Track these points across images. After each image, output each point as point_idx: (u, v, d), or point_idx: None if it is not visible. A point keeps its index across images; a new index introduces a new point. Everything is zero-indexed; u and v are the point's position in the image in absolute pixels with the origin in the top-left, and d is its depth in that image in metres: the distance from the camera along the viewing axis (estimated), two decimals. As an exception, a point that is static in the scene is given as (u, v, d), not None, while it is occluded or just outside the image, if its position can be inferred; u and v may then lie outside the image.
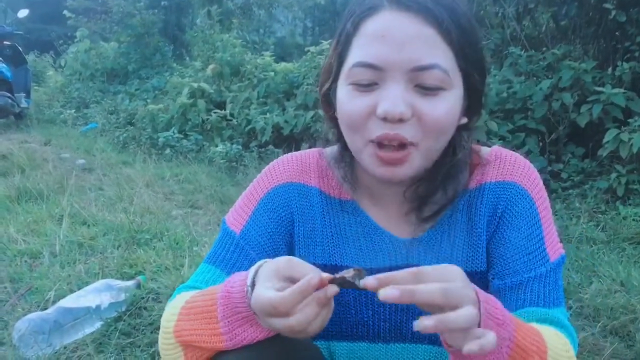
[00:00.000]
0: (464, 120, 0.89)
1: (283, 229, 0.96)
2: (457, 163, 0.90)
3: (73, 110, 8.58)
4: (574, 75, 3.97)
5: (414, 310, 0.91)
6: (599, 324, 2.09)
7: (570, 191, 3.71)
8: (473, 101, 0.88)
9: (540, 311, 0.87)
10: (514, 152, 0.96)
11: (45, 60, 12.79)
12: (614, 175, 3.58)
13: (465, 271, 0.89)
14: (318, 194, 0.97)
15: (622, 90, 3.74)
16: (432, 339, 0.91)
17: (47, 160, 5.31)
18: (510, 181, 0.92)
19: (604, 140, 3.64)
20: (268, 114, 5.72)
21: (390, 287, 0.66)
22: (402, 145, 0.82)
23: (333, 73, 0.89)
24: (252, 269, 0.78)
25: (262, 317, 0.74)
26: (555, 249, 0.92)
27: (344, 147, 0.92)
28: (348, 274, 0.72)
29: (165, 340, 0.87)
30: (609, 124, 3.76)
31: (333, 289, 0.72)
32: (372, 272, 0.92)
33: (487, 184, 0.92)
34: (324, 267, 0.91)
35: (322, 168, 0.98)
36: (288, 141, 5.51)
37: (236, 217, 0.98)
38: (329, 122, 0.95)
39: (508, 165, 0.93)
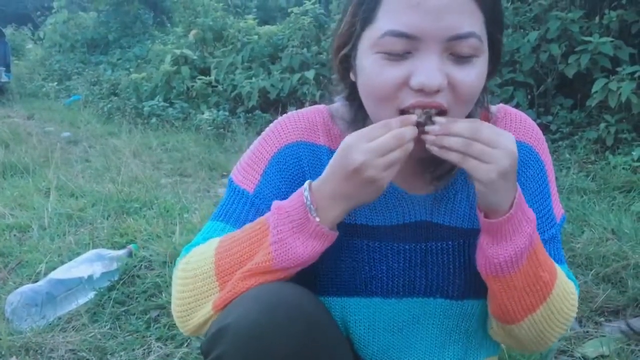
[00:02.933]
0: None
1: (295, 188, 0.92)
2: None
3: (55, 83, 8.45)
4: (561, 26, 3.92)
5: (427, 265, 0.92)
6: (592, 272, 2.11)
7: (560, 143, 3.71)
8: (494, 62, 0.86)
9: None
10: (519, 111, 0.97)
11: (24, 33, 12.53)
12: (602, 125, 3.57)
13: (478, 228, 0.89)
14: (327, 153, 0.94)
15: (609, 39, 3.70)
16: (444, 292, 0.91)
17: (31, 134, 5.24)
18: (522, 141, 0.92)
19: (593, 90, 3.62)
20: (253, 78, 5.65)
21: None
22: (441, 112, 0.81)
23: (354, 39, 0.84)
24: (304, 186, 0.82)
25: (355, 151, 0.77)
26: (558, 209, 0.95)
27: (359, 108, 0.90)
28: (419, 116, 0.79)
29: (196, 290, 0.85)
30: (597, 74, 3.73)
31: (414, 130, 0.79)
32: (386, 229, 0.92)
33: None
34: (339, 226, 0.89)
35: (328, 126, 0.96)
36: (275, 105, 5.45)
37: (246, 175, 0.95)
38: (343, 85, 0.92)
39: (518, 125, 0.94)
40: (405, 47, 0.78)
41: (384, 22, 0.79)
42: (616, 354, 1.60)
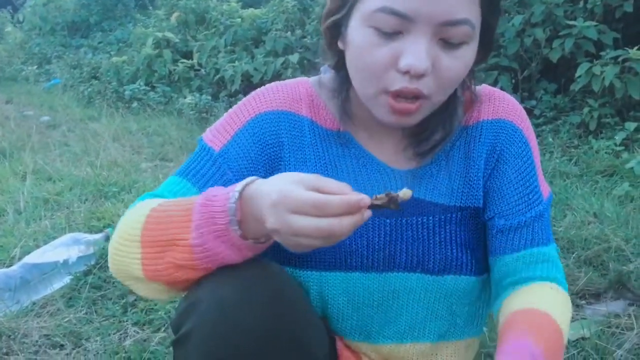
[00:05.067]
0: None
1: (267, 157, 0.91)
2: (455, 101, 0.90)
3: (35, 67, 8.31)
4: (546, 10, 3.90)
5: (407, 239, 0.90)
6: (573, 255, 2.10)
7: (544, 127, 3.71)
8: (484, 47, 0.85)
9: (540, 252, 0.91)
10: (501, 91, 0.96)
11: (3, 16, 12.28)
12: (586, 109, 3.57)
13: (461, 206, 0.92)
14: (309, 124, 0.92)
15: (594, 23, 3.69)
16: (425, 267, 0.90)
17: (9, 118, 5.14)
18: (506, 119, 0.92)
19: (576, 75, 3.61)
20: (237, 62, 5.58)
21: None
22: (416, 97, 0.80)
23: (347, 7, 0.82)
24: (241, 183, 0.72)
25: (274, 214, 0.67)
26: (544, 186, 0.95)
27: (345, 78, 0.88)
28: (382, 201, 0.69)
29: (125, 248, 0.79)
30: (580, 59, 3.72)
31: (368, 214, 0.69)
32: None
33: (484, 121, 0.92)
34: None
35: (312, 98, 0.94)
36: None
37: (216, 134, 0.92)
38: (331, 52, 0.90)
39: (502, 103, 0.93)
40: (396, 27, 0.77)
41: None
42: (597, 337, 1.59)
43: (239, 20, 6.08)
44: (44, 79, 7.86)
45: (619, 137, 3.29)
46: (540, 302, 0.85)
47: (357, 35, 0.80)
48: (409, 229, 0.91)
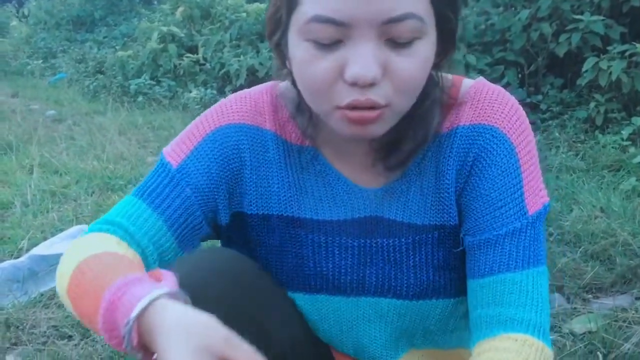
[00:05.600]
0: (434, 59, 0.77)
1: (227, 173, 0.85)
2: (427, 105, 0.79)
3: (40, 61, 8.30)
4: (552, 4, 3.88)
5: (377, 263, 0.85)
6: (580, 250, 2.10)
7: (550, 122, 3.69)
8: (446, 41, 0.76)
9: (510, 280, 0.78)
10: (497, 88, 0.83)
11: (8, 10, 12.31)
12: (592, 104, 3.56)
13: (436, 224, 0.83)
14: (273, 139, 0.86)
15: (600, 17, 3.67)
16: (396, 292, 0.85)
17: (16, 112, 5.15)
18: (487, 124, 0.80)
19: (583, 69, 3.59)
20: (242, 56, 5.57)
21: None
22: (373, 108, 0.71)
23: (283, 24, 0.75)
24: (140, 304, 0.61)
25: None
26: (536, 198, 0.81)
27: (303, 97, 0.79)
28: None
29: (59, 287, 0.77)
30: (587, 53, 3.71)
31: None
32: (333, 224, 0.85)
33: (459, 127, 0.80)
34: (282, 219, 0.86)
35: (277, 109, 0.86)
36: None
37: (175, 149, 0.86)
38: (285, 70, 0.81)
39: (486, 105, 0.80)
40: (334, 35, 0.69)
41: (309, 5, 0.69)
42: (604, 330, 1.59)
43: (244, 14, 6.07)
44: (50, 73, 7.87)
45: (625, 132, 3.28)
46: None
47: (297, 51, 0.72)
48: (379, 252, 0.85)
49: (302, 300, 0.89)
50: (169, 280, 0.67)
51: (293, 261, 0.87)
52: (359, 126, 0.72)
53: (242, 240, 0.90)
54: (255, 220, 0.88)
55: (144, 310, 0.61)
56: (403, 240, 0.84)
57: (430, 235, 0.83)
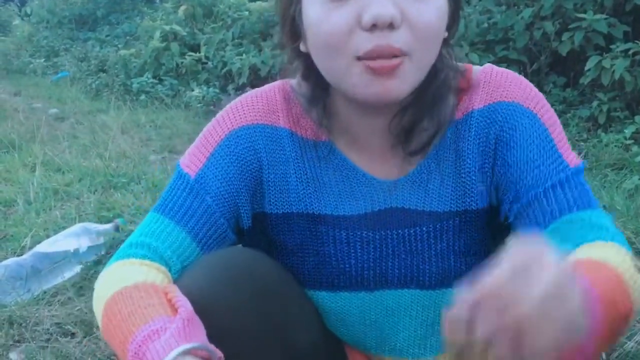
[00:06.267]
0: (445, 34, 0.79)
1: (247, 175, 0.85)
2: (441, 85, 0.80)
3: (42, 60, 8.30)
4: (555, 3, 3.87)
5: (399, 254, 0.85)
6: (583, 248, 2.10)
7: (552, 121, 3.69)
8: (453, 10, 0.78)
9: (579, 216, 0.75)
10: (505, 70, 0.84)
11: (11, 9, 12.30)
12: (595, 103, 3.55)
13: (457, 210, 0.83)
14: (289, 136, 0.86)
15: (604, 16, 3.66)
16: (419, 282, 0.85)
17: (18, 110, 5.15)
18: (500, 101, 0.81)
19: (586, 68, 3.58)
20: (244, 55, 5.56)
21: None
22: (395, 56, 0.71)
23: None
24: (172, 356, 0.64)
25: None
26: (572, 156, 0.81)
27: (316, 84, 0.82)
28: None
29: (96, 309, 0.81)
30: (590, 52, 3.70)
31: None
32: (354, 219, 0.85)
33: (474, 111, 0.82)
34: (302, 216, 0.85)
35: (290, 105, 0.86)
36: (266, 82, 5.36)
37: (192, 159, 0.86)
38: (294, 56, 0.83)
39: (499, 85, 0.82)
40: None
41: None
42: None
43: (246, 13, 6.06)
44: (52, 71, 7.87)
45: (628, 130, 3.27)
46: (593, 253, 0.69)
47: (313, 11, 0.73)
48: (401, 243, 0.85)
49: (325, 298, 0.88)
50: (184, 318, 0.68)
51: (315, 260, 0.87)
52: (380, 80, 0.72)
53: (264, 243, 0.89)
54: (275, 219, 0.87)
55: None
56: (425, 228, 0.84)
57: (451, 222, 0.83)
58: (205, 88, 5.49)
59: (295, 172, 0.86)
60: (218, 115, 0.89)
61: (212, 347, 0.67)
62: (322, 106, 0.83)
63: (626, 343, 1.52)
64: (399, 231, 0.85)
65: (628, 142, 3.20)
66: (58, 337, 1.67)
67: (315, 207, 0.86)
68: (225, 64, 5.70)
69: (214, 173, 0.84)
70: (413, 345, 0.89)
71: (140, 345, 0.67)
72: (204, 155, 0.85)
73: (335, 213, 0.85)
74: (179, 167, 0.87)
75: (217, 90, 5.46)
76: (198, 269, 0.78)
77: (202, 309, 0.71)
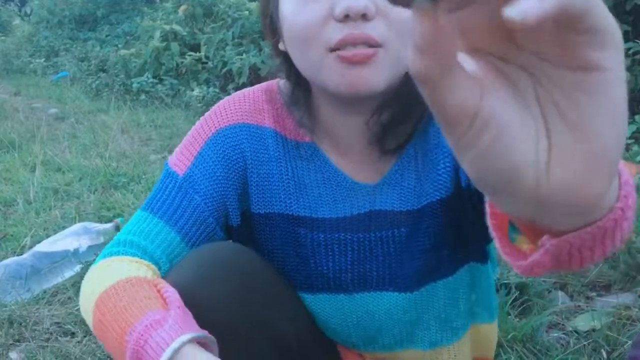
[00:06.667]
0: None
1: (233, 174, 0.85)
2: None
3: (42, 59, 8.30)
4: (556, 2, 3.88)
5: (377, 257, 0.85)
6: (583, 247, 2.09)
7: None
8: None
9: None
10: None
11: (10, 9, 12.30)
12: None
13: (431, 202, 0.82)
14: (273, 136, 0.86)
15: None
16: (397, 284, 0.85)
17: (18, 110, 5.15)
18: None
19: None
20: (244, 54, 5.56)
21: None
22: (371, 46, 0.69)
23: None
24: (168, 350, 0.64)
25: None
26: None
27: (297, 84, 0.82)
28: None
29: (84, 310, 0.81)
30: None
31: None
32: (332, 222, 0.85)
33: None
34: (282, 217, 0.85)
35: (276, 105, 0.87)
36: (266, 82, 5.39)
37: (180, 158, 0.86)
38: (275, 54, 0.82)
39: None
40: None
41: None
42: (607, 328, 1.59)
43: (246, 12, 6.06)
44: (52, 71, 7.86)
45: (629, 130, 3.27)
46: None
47: (286, 7, 0.73)
48: (379, 245, 0.84)
49: (307, 300, 0.89)
50: (177, 307, 0.69)
51: (294, 261, 0.87)
52: (354, 70, 0.69)
53: (252, 243, 0.90)
54: (258, 219, 0.88)
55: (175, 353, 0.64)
56: (403, 229, 0.84)
57: (425, 216, 0.82)
58: (205, 88, 5.48)
59: (278, 173, 0.86)
60: (206, 115, 0.89)
61: (210, 336, 0.68)
62: (304, 107, 0.83)
63: (627, 343, 1.52)
64: (377, 233, 0.84)
65: (628, 141, 3.19)
66: (58, 337, 1.66)
67: (295, 209, 0.86)
68: (225, 63, 5.69)
69: (201, 172, 0.84)
70: (401, 341, 0.89)
71: (141, 334, 0.67)
72: (191, 154, 0.86)
73: (314, 215, 0.85)
74: (167, 166, 0.87)
75: (217, 90, 5.45)
76: (184, 264, 0.79)
77: (189, 303, 0.72)
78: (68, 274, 1.98)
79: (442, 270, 0.85)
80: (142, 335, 0.67)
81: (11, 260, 1.95)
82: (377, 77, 0.70)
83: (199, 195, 0.83)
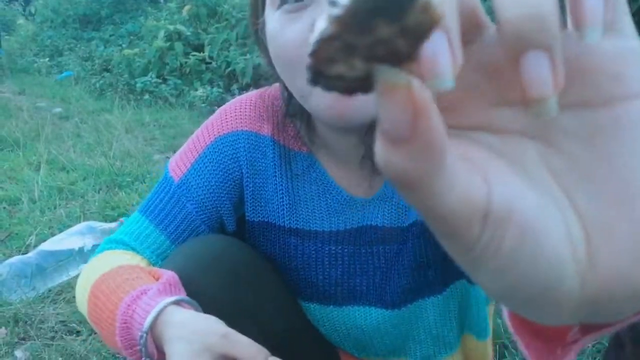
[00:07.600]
0: None
1: (229, 183, 0.85)
2: None
3: (47, 59, 8.32)
4: (558, 2, 3.88)
5: (367, 272, 0.84)
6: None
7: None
8: None
9: None
10: None
11: (15, 8, 12.33)
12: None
13: (417, 219, 0.81)
14: (271, 145, 0.84)
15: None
16: (384, 301, 0.85)
17: (22, 109, 5.16)
18: None
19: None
20: (248, 55, 5.56)
21: None
22: None
23: (260, 3, 0.73)
24: (154, 312, 0.66)
25: None
26: None
27: (291, 95, 0.78)
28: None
29: (79, 302, 0.83)
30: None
31: None
32: (324, 235, 0.85)
33: None
34: (274, 226, 0.85)
35: (277, 112, 0.85)
36: (269, 83, 5.39)
37: (178, 163, 0.86)
38: (271, 68, 0.78)
39: None
40: None
41: None
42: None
43: (250, 13, 6.07)
44: (56, 71, 7.88)
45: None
46: None
47: (271, 24, 0.70)
48: (369, 259, 0.84)
49: (302, 306, 0.90)
50: (167, 280, 0.70)
51: (286, 269, 0.88)
52: (342, 101, 0.66)
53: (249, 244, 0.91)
54: (252, 226, 0.88)
55: (154, 321, 0.66)
56: (394, 245, 0.83)
57: (411, 234, 0.82)
58: (209, 88, 5.49)
59: (273, 183, 0.85)
60: (208, 120, 0.89)
61: (196, 303, 0.70)
62: (302, 118, 0.81)
63: (631, 344, 1.52)
64: (367, 248, 0.84)
65: None
66: (63, 335, 1.67)
67: (287, 220, 0.85)
68: (229, 63, 5.70)
69: (196, 180, 0.84)
70: (393, 351, 0.89)
71: (129, 305, 0.69)
72: (189, 161, 0.86)
73: (307, 227, 0.85)
74: (167, 169, 0.88)
75: (221, 90, 5.46)
76: (175, 256, 0.80)
77: (186, 287, 0.74)
78: (73, 272, 1.99)
79: (431, 288, 0.84)
80: (129, 306, 0.68)
81: (16, 258, 1.95)
82: (368, 104, 0.66)
83: (191, 203, 0.83)
